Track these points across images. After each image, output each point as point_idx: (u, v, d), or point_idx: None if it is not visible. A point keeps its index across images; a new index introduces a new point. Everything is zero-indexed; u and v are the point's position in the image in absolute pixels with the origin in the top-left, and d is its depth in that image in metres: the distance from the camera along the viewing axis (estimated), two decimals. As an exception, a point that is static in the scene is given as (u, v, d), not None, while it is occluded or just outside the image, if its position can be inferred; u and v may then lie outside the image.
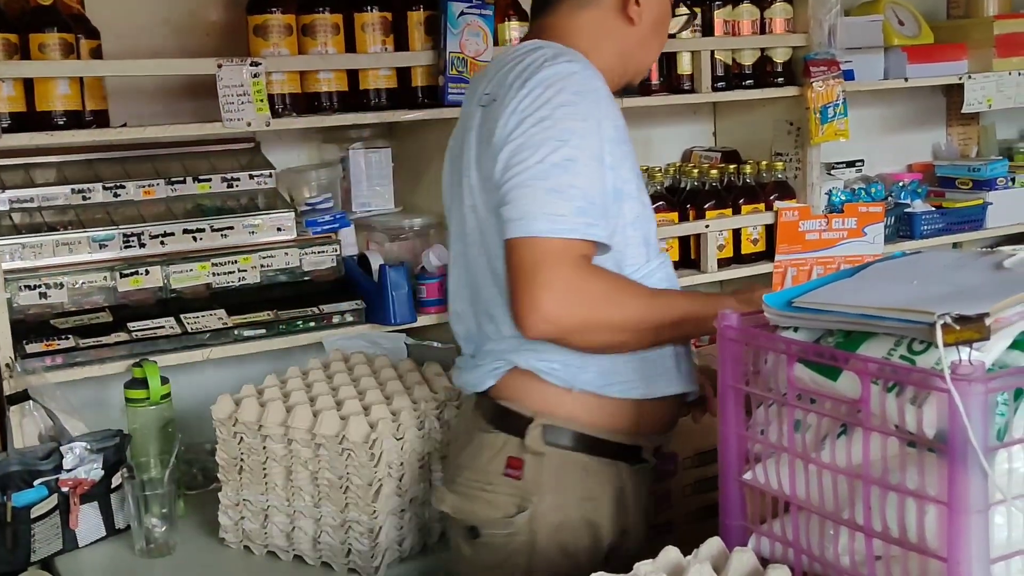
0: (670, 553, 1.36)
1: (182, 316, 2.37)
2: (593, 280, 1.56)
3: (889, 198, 3.37)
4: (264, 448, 1.99)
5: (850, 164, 3.50)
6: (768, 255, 3.11)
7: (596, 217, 1.55)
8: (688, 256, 3.05)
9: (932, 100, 3.77)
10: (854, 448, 1.23)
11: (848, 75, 3.12)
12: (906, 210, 3.36)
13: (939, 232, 3.38)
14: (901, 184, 3.44)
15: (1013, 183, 3.51)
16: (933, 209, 3.40)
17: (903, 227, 3.35)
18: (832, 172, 3.44)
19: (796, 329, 1.32)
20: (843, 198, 3.27)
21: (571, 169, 1.54)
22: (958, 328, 1.09)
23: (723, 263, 3.05)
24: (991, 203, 3.45)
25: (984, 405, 1.09)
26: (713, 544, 1.38)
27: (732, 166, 3.13)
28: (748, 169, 3.12)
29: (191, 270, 2.42)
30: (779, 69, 3.10)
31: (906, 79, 3.26)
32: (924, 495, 1.15)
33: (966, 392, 1.08)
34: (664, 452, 1.85)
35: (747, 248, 3.09)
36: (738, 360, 1.38)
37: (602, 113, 1.61)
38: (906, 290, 1.25)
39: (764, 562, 1.34)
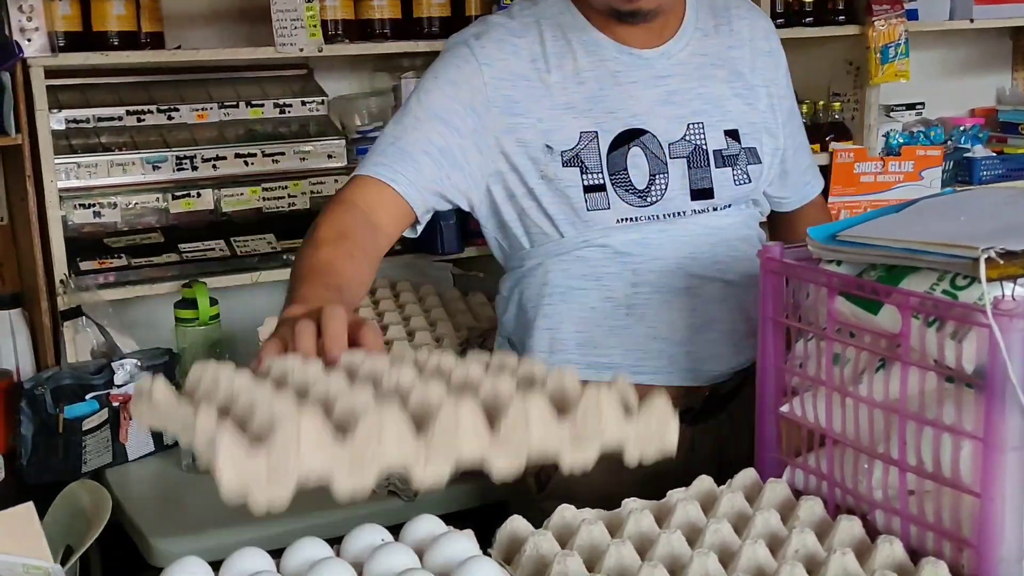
0: (704, 482, 1.36)
1: (232, 239, 2.40)
2: None
3: (949, 142, 3.30)
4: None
5: (910, 107, 3.42)
6: (822, 195, 3.06)
7: None
8: (740, 195, 3.01)
9: (998, 43, 3.67)
10: (892, 382, 1.22)
11: (911, 14, 3.06)
12: (966, 155, 3.29)
13: (998, 178, 3.31)
14: (962, 128, 3.37)
15: (1078, 130, 3.43)
16: (994, 155, 3.33)
17: (962, 172, 3.29)
18: (891, 114, 3.36)
19: (839, 263, 1.31)
20: (901, 141, 3.21)
21: None
22: (1002, 263, 1.07)
23: (775, 203, 3.01)
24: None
25: (1025, 341, 1.07)
26: (747, 475, 1.39)
27: (788, 105, 3.08)
28: (804, 109, 3.05)
29: (242, 194, 2.44)
30: (840, 7, 3.03)
31: (972, 20, 3.18)
32: (960, 431, 1.14)
33: (1007, 328, 1.07)
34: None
35: (800, 189, 3.05)
36: (779, 293, 1.37)
37: None
38: (953, 226, 1.24)
39: (797, 494, 1.34)
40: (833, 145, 3.03)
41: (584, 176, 1.58)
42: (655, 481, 1.31)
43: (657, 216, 1.60)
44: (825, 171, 3.04)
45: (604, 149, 1.59)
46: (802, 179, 1.87)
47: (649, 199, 1.59)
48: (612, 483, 1.28)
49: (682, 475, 1.35)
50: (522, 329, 1.67)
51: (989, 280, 1.08)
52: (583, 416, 0.92)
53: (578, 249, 1.60)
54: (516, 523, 1.27)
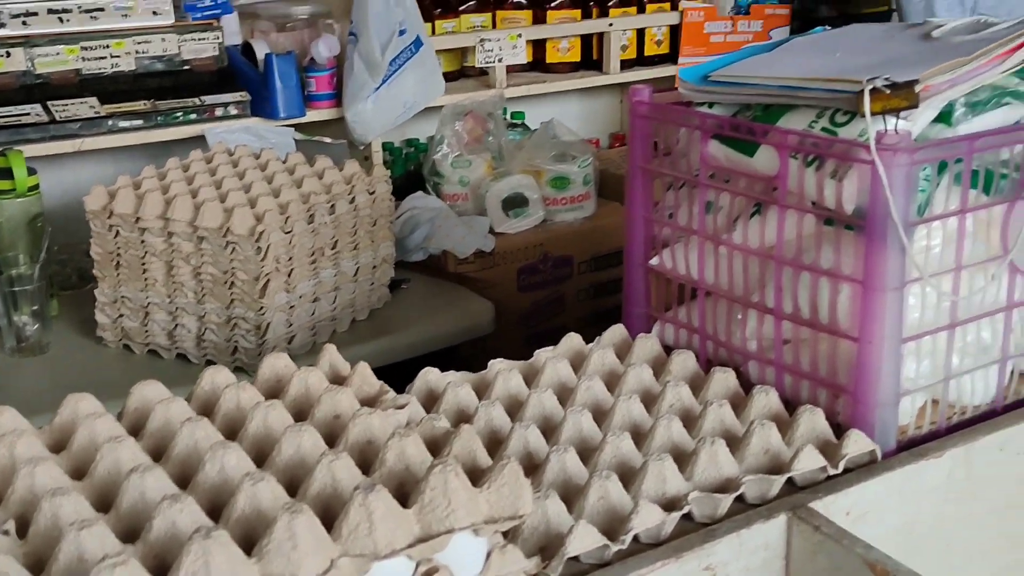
0: (572, 339, 1.31)
1: (49, 103, 2.20)
2: None
3: (796, 1, 3.28)
4: (142, 242, 1.86)
5: (758, -35, 3.38)
6: (672, 58, 3.02)
7: None
8: (590, 56, 2.94)
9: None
10: (768, 228, 1.17)
11: None
12: (813, 14, 3.27)
13: (844, 39, 3.31)
14: (809, -13, 3.34)
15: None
16: (837, 15, 3.32)
17: (809, 31, 3.26)
18: (740, -27, 3.32)
19: (711, 105, 1.25)
20: (750, 0, 3.17)
21: None
22: (888, 93, 1.02)
23: (626, 65, 2.95)
24: (895, 11, 3.39)
25: (908, 177, 1.03)
26: (616, 331, 1.34)
27: (638, -38, 3.00)
28: (654, -34, 2.99)
29: (58, 54, 2.23)
30: None
31: None
32: (839, 274, 1.10)
33: (891, 163, 1.02)
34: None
35: (651, 49, 3.00)
36: (647, 139, 1.30)
37: None
38: (830, 61, 1.18)
39: (668, 349, 1.29)
40: (683, 4, 2.96)
41: None
42: None
43: None
44: (675, 31, 2.99)
45: None
46: None
47: None
48: None
49: None
50: None
51: (873, 114, 1.03)
52: (430, 505, 0.83)
53: None
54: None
